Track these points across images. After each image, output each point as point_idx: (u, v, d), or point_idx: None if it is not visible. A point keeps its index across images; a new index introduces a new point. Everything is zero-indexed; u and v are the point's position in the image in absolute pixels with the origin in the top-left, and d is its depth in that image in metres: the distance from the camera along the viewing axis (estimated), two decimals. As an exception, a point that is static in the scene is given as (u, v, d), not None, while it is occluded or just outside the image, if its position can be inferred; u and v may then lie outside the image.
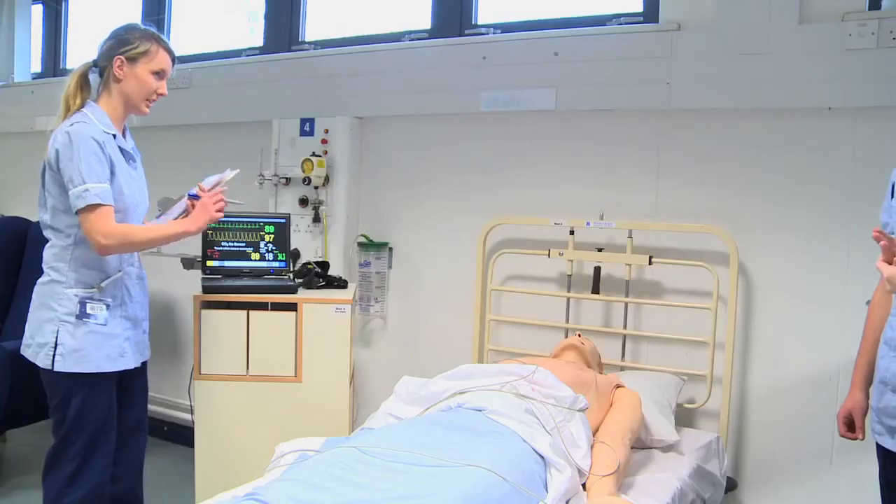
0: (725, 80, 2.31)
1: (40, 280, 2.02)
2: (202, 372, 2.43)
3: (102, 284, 1.99)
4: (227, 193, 2.15)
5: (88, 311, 1.95)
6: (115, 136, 1.99)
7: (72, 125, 1.91)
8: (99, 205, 1.87)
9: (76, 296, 1.95)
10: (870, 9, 2.16)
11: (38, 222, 3.32)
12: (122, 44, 2.01)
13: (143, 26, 2.06)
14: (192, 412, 2.49)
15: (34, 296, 2.02)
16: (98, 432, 2.00)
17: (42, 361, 1.94)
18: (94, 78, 2.04)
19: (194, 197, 2.15)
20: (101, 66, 2.02)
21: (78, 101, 1.98)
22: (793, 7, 2.19)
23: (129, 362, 2.07)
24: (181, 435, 3.33)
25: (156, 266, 2.53)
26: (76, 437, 1.97)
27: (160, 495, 2.76)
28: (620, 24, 2.57)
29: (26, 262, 3.35)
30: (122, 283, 2.04)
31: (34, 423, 3.07)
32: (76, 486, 1.98)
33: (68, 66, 4.11)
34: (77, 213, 1.88)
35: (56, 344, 1.93)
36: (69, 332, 1.94)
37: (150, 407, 3.35)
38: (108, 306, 1.99)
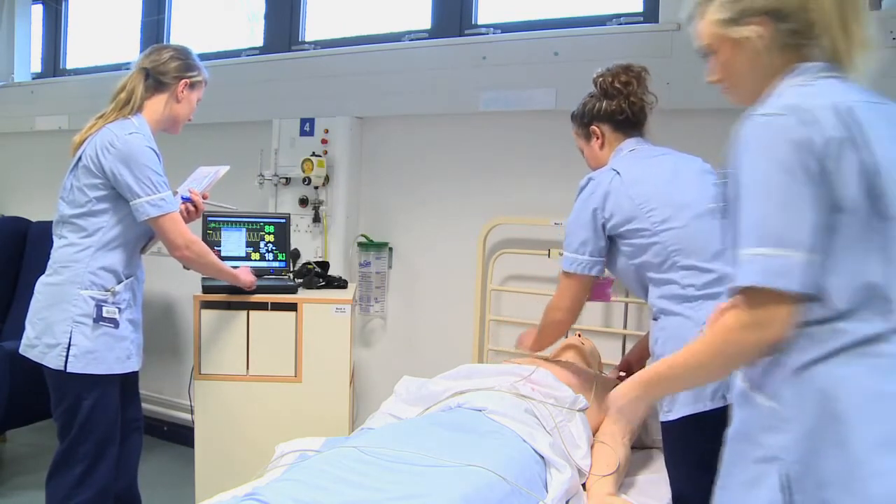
0: (725, 80, 2.30)
1: (47, 280, 2.01)
2: (202, 372, 2.43)
3: (117, 288, 1.99)
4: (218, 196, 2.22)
5: (105, 314, 1.97)
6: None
7: (130, 134, 1.96)
8: (173, 212, 1.99)
9: (92, 298, 1.96)
10: (870, 9, 2.15)
11: (38, 222, 3.37)
12: (189, 68, 2.11)
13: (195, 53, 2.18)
14: (192, 412, 2.49)
15: (40, 296, 2.01)
16: (107, 434, 2.01)
17: (53, 362, 1.94)
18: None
19: (187, 200, 2.18)
20: (163, 81, 2.07)
21: (137, 104, 2.04)
22: (793, 7, 2.19)
23: (135, 364, 2.08)
24: (181, 435, 3.33)
25: (156, 266, 2.53)
26: (86, 438, 1.97)
27: (160, 495, 2.76)
28: (620, 24, 2.57)
29: (26, 262, 3.35)
30: (132, 286, 2.05)
31: (34, 423, 3.07)
32: (85, 487, 1.98)
33: (68, 66, 4.11)
34: (151, 221, 1.96)
35: (70, 345, 1.93)
36: (84, 334, 1.94)
37: (150, 407, 3.38)
38: (120, 309, 2.00)
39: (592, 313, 2.61)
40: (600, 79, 1.89)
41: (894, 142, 1.05)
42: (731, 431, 1.14)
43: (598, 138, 1.91)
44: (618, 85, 1.85)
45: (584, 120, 1.93)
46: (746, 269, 1.03)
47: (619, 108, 1.85)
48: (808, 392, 1.02)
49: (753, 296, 1.03)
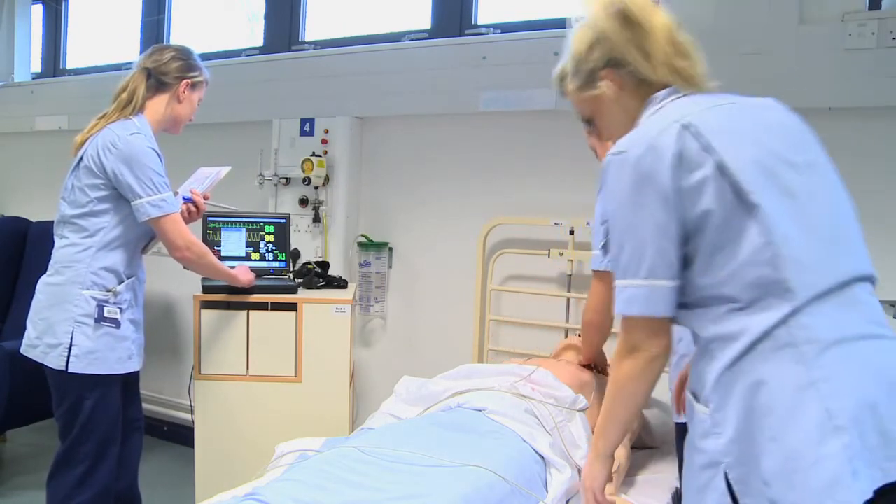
0: (725, 80, 2.30)
1: (48, 280, 2.01)
2: (202, 372, 2.43)
3: (118, 288, 2.00)
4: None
5: (106, 314, 1.97)
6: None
7: (132, 135, 1.97)
8: (174, 213, 1.99)
9: (93, 298, 1.96)
10: (870, 9, 2.16)
11: (38, 222, 3.37)
12: (190, 69, 2.11)
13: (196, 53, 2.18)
14: (192, 412, 2.49)
15: (41, 296, 2.02)
16: (108, 434, 2.01)
17: (54, 362, 1.94)
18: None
19: (188, 200, 2.18)
20: (164, 81, 2.08)
21: (139, 104, 2.04)
22: (793, 7, 2.19)
23: (136, 365, 2.08)
24: (181, 435, 3.33)
25: (156, 266, 2.53)
26: (88, 438, 1.97)
27: (160, 495, 2.76)
28: (620, 24, 2.56)
29: (26, 262, 3.36)
30: (133, 287, 2.05)
31: (34, 423, 3.07)
32: (86, 487, 1.98)
33: (68, 66, 4.12)
34: (152, 221, 1.96)
35: (71, 345, 1.93)
36: (85, 334, 1.94)
37: (150, 407, 3.38)
38: (121, 310, 2.00)
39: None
40: None
41: (736, 136, 1.12)
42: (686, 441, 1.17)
43: None
44: None
45: None
46: (617, 301, 1.15)
47: None
48: (735, 392, 1.05)
49: (625, 324, 1.16)
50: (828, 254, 1.08)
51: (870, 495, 0.95)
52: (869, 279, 1.11)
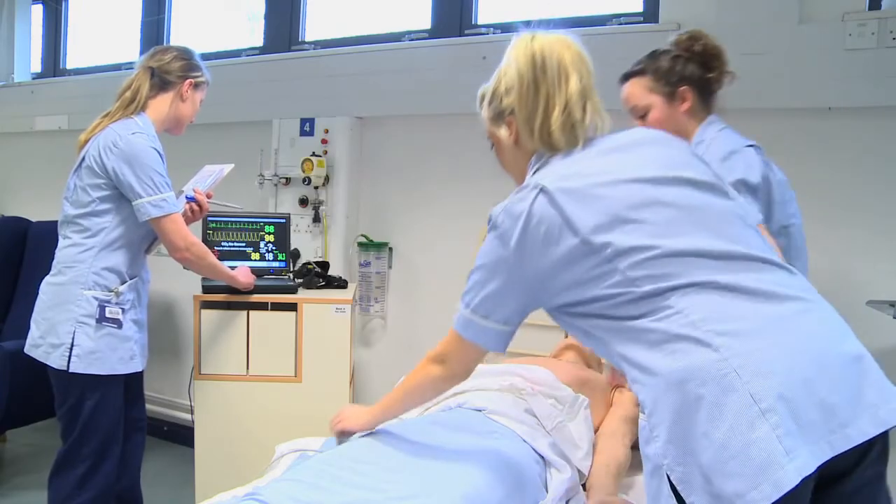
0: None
1: (51, 280, 2.01)
2: (202, 372, 2.43)
3: (120, 288, 2.00)
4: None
5: (108, 314, 1.97)
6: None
7: (133, 134, 1.96)
8: (175, 213, 1.99)
9: (95, 298, 1.96)
10: (870, 9, 2.16)
11: (38, 222, 3.37)
12: (193, 68, 2.12)
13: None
14: (192, 412, 2.49)
15: (44, 296, 2.02)
16: (110, 434, 2.01)
17: (56, 362, 1.94)
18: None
19: (191, 199, 2.18)
20: (168, 80, 2.08)
21: (142, 103, 2.05)
22: (793, 7, 2.19)
23: (138, 365, 2.08)
24: (181, 435, 3.33)
25: (156, 266, 2.52)
26: (89, 438, 1.97)
27: (160, 495, 2.76)
28: (620, 24, 2.57)
29: (26, 262, 3.35)
30: (136, 287, 2.05)
31: (34, 423, 3.07)
32: (87, 488, 1.98)
33: (68, 66, 4.12)
34: (152, 221, 1.96)
35: (73, 345, 1.93)
36: (87, 334, 1.94)
37: (151, 407, 3.37)
38: (123, 310, 2.00)
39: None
40: (699, 43, 1.71)
41: (588, 179, 1.16)
42: None
43: (685, 102, 1.70)
44: (718, 53, 1.71)
45: (673, 79, 1.70)
46: (464, 326, 1.30)
47: (717, 81, 1.71)
48: (664, 395, 1.05)
49: (456, 342, 1.34)
50: (704, 244, 1.09)
51: (811, 471, 0.95)
52: (764, 260, 1.12)
